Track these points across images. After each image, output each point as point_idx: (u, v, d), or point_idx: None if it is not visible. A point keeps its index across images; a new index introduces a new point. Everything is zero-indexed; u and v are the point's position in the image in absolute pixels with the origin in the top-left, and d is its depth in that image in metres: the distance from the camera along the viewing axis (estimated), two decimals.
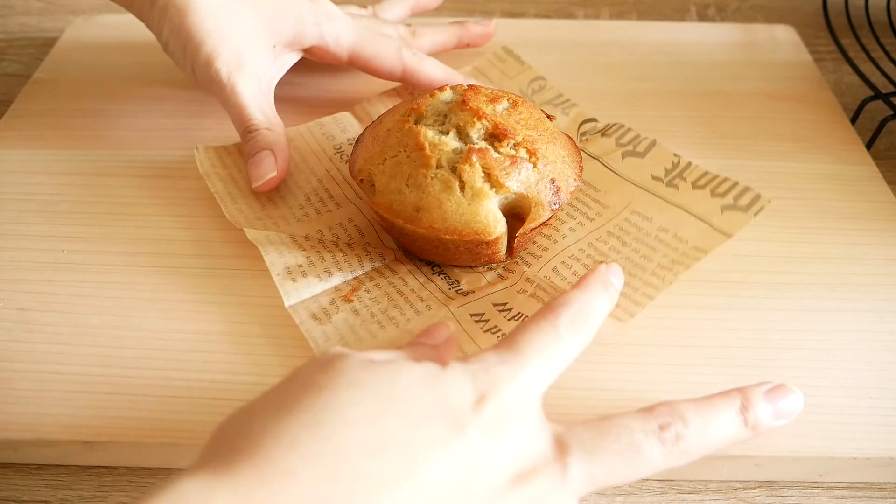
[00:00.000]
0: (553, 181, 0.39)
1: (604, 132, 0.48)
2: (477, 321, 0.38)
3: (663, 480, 0.36)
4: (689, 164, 0.45)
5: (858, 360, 0.39)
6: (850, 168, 0.49)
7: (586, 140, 0.48)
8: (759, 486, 0.36)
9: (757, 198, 0.42)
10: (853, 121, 0.54)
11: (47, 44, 0.62)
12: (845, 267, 0.43)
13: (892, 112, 0.52)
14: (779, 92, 0.55)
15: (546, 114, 0.43)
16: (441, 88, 0.41)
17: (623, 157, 0.46)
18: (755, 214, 0.42)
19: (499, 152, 0.38)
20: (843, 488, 0.36)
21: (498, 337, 0.36)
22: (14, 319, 0.40)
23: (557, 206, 0.39)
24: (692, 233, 0.42)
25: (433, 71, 0.50)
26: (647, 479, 0.36)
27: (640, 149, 0.46)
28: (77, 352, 0.38)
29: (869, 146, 0.52)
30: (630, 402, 0.37)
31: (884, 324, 0.40)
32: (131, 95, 0.54)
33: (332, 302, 0.39)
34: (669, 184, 0.44)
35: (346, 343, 0.37)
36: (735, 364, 0.38)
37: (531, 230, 0.39)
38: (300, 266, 0.40)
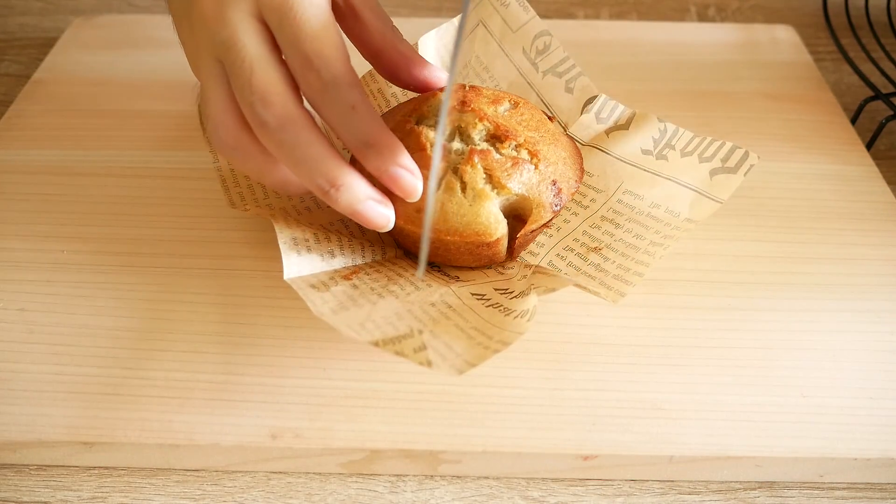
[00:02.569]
0: (554, 182, 0.39)
1: (584, 108, 0.47)
2: (478, 299, 0.38)
3: (664, 481, 0.36)
4: (677, 129, 0.44)
5: (858, 361, 0.39)
6: (850, 168, 0.49)
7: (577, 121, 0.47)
8: (760, 487, 0.36)
9: (745, 156, 0.41)
10: (853, 121, 0.54)
11: (47, 44, 0.62)
12: (845, 267, 0.43)
13: (892, 112, 0.52)
14: (779, 92, 0.55)
15: (547, 115, 0.43)
16: (441, 90, 0.41)
17: (608, 134, 0.45)
18: (745, 174, 0.41)
19: (500, 153, 0.38)
20: (844, 489, 0.36)
21: (500, 311, 0.36)
22: (14, 320, 0.40)
23: (559, 207, 0.39)
24: (684, 204, 0.41)
25: (417, 58, 0.41)
26: (647, 480, 0.36)
27: (623, 121, 0.46)
28: (77, 352, 0.38)
29: (869, 146, 0.52)
30: (630, 403, 0.37)
31: (884, 324, 0.40)
32: (131, 95, 0.54)
33: (332, 278, 0.39)
34: (659, 156, 0.44)
35: (345, 308, 0.36)
36: (735, 364, 0.38)
37: (532, 231, 0.39)
38: (307, 240, 0.39)
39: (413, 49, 0.41)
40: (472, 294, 0.38)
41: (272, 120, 0.34)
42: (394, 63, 0.40)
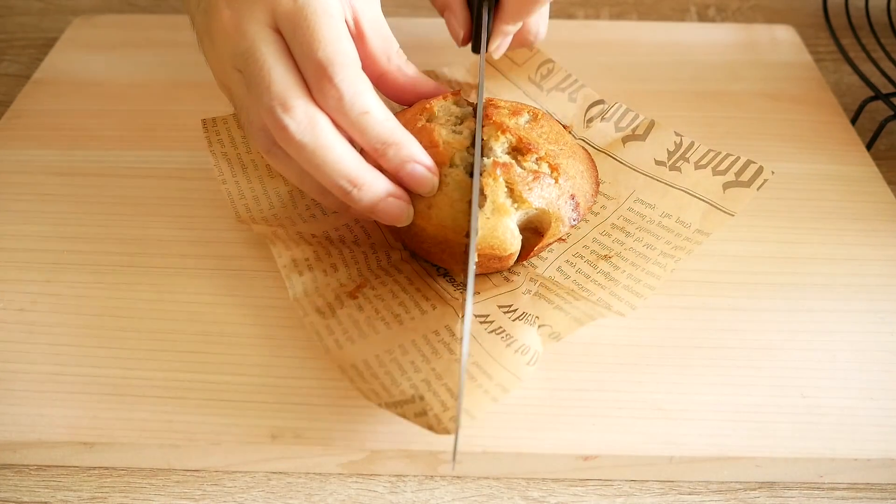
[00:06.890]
0: (573, 197, 0.39)
1: (602, 116, 0.47)
2: (482, 322, 0.38)
3: (664, 482, 0.36)
4: (692, 143, 0.44)
5: (858, 361, 0.39)
6: (850, 168, 0.49)
7: (590, 126, 0.48)
8: (760, 487, 0.36)
9: (759, 171, 0.42)
10: (853, 121, 0.54)
11: (47, 44, 0.62)
12: (845, 267, 0.43)
13: (892, 112, 0.52)
14: (779, 92, 0.55)
15: (563, 125, 0.43)
16: (445, 96, 0.41)
17: (624, 143, 0.46)
18: (758, 188, 0.41)
19: (522, 167, 0.38)
20: (844, 489, 0.36)
21: (502, 338, 0.36)
22: (14, 320, 0.40)
23: (576, 221, 0.39)
24: (696, 215, 0.42)
25: (421, 79, 0.42)
26: (647, 480, 0.36)
27: (640, 131, 0.46)
28: (77, 352, 0.38)
29: (869, 147, 0.52)
30: (630, 403, 0.37)
31: (884, 324, 0.40)
32: (131, 95, 0.54)
33: (337, 297, 0.39)
34: (673, 167, 0.44)
35: (350, 338, 0.37)
36: (735, 365, 0.38)
37: (547, 244, 0.39)
38: (307, 259, 0.40)
39: (417, 70, 0.42)
40: (476, 316, 0.38)
41: (292, 124, 0.35)
42: (399, 85, 0.41)
